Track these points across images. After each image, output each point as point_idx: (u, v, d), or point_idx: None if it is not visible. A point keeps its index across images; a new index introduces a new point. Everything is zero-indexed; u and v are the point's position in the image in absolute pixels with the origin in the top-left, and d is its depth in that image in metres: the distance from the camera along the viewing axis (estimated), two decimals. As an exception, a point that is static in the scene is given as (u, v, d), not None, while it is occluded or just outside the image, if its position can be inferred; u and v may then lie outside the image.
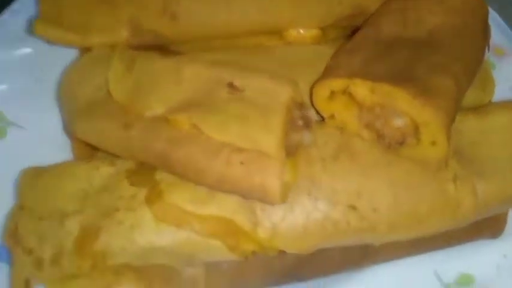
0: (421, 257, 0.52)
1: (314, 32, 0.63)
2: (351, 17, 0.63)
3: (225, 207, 0.45)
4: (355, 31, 0.60)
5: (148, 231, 0.45)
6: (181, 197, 0.46)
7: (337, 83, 0.48)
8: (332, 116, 0.50)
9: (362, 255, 0.51)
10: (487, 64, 0.63)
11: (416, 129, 0.44)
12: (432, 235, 0.49)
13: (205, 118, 0.45)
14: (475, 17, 0.57)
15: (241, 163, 0.42)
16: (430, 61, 0.50)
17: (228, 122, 0.44)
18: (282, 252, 0.47)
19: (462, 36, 0.54)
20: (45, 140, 0.62)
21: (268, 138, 0.42)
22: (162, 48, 0.65)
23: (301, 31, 0.63)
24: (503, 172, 0.47)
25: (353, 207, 0.46)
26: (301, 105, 0.47)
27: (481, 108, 0.53)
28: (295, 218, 0.46)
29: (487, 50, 0.60)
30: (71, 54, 0.67)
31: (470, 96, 0.58)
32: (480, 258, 0.52)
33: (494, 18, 0.70)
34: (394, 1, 0.60)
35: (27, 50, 0.70)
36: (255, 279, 0.51)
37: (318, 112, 0.52)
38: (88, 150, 0.60)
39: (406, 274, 0.51)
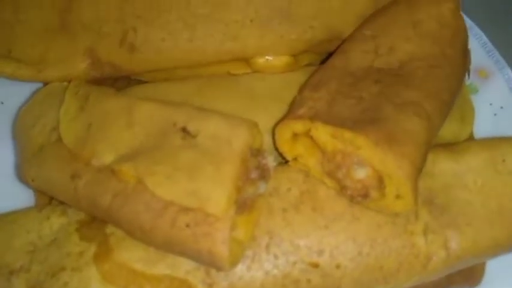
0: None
1: (284, 59, 0.59)
2: (325, 42, 0.58)
3: (178, 267, 0.42)
4: (328, 56, 0.56)
5: (94, 294, 0.42)
6: (132, 255, 0.43)
7: (298, 125, 0.45)
8: (296, 159, 0.47)
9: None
10: (467, 90, 0.59)
11: (380, 180, 0.41)
12: (404, 288, 0.46)
13: (151, 171, 0.42)
14: (454, 44, 0.52)
15: (187, 225, 0.39)
16: (400, 98, 0.46)
17: (176, 176, 0.41)
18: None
19: (438, 66, 0.50)
20: (4, 181, 0.60)
21: (217, 195, 0.39)
22: (124, 78, 0.62)
23: (270, 58, 0.59)
24: (477, 222, 0.44)
25: (314, 265, 0.42)
26: (257, 152, 0.44)
27: (456, 147, 0.49)
28: (253, 277, 0.42)
29: (467, 77, 0.57)
30: (36, 84, 0.64)
31: (448, 128, 0.54)
32: (456, 310, 0.48)
33: (479, 37, 0.65)
34: (366, 26, 0.56)
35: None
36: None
37: (281, 154, 0.49)
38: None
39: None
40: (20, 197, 0.57)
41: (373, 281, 0.43)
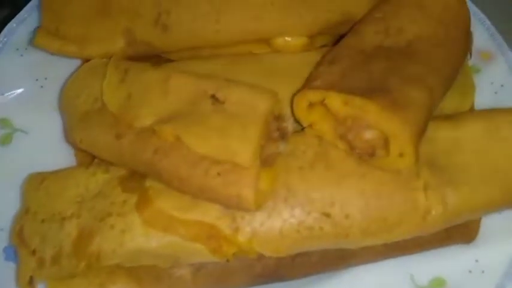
0: (397, 260, 0.54)
1: (301, 40, 0.65)
2: (340, 24, 0.64)
3: (208, 213, 0.49)
4: (340, 38, 0.62)
5: (137, 236, 0.49)
6: (168, 204, 0.50)
7: (313, 95, 0.51)
8: (311, 125, 0.53)
9: (339, 258, 0.54)
10: (469, 69, 0.64)
11: (386, 141, 0.47)
12: (405, 240, 0.51)
13: (187, 130, 0.48)
14: (457, 26, 0.58)
15: (218, 174, 0.45)
16: (405, 72, 0.51)
17: (208, 135, 0.47)
18: (262, 255, 0.51)
19: (442, 45, 0.56)
20: (49, 145, 0.66)
21: (244, 149, 0.45)
22: (155, 56, 0.68)
23: (289, 39, 0.65)
24: (473, 181, 0.49)
25: (327, 215, 0.48)
26: (278, 117, 0.50)
27: (456, 117, 0.54)
28: (273, 224, 0.49)
29: (469, 56, 0.62)
30: (75, 62, 0.71)
31: (450, 102, 0.59)
32: (453, 262, 0.54)
33: (482, 21, 0.70)
34: (377, 9, 0.61)
35: (33, 58, 0.73)
36: (239, 279, 0.54)
37: (298, 121, 0.55)
38: (88, 155, 0.64)
39: (382, 276, 0.54)
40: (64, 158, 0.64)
41: (378, 231, 0.49)
